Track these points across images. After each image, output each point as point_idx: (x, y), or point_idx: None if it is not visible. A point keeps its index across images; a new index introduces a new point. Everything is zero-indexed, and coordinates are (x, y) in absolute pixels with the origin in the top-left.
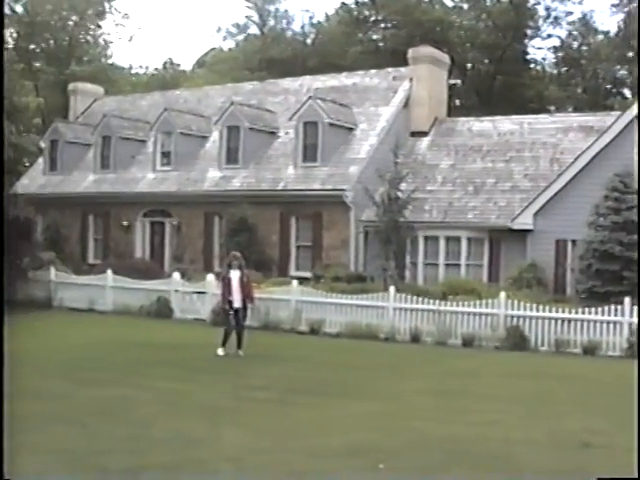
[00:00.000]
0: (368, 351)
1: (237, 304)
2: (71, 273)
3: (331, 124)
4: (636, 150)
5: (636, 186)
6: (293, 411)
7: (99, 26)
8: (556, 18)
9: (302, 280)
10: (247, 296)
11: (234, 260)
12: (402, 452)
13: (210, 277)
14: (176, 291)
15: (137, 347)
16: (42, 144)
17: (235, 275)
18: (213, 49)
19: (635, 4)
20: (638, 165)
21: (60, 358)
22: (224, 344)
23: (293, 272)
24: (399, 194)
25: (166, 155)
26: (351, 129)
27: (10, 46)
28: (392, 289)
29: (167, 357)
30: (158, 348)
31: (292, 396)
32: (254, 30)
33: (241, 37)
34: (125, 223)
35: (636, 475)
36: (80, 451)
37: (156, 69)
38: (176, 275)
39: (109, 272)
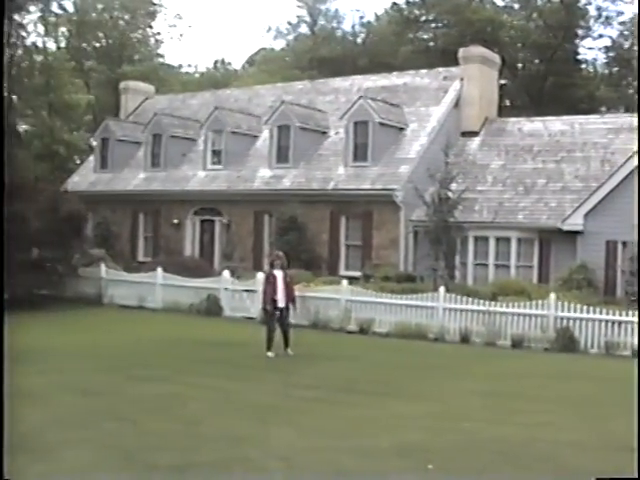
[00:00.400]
0: (417, 351)
1: (282, 304)
2: (121, 270)
3: (382, 124)
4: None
5: None
6: (342, 410)
7: (150, 26)
8: (607, 18)
9: (351, 279)
10: (290, 297)
11: (277, 260)
12: (451, 453)
13: (260, 275)
14: (226, 289)
15: (187, 345)
16: (93, 142)
17: (279, 274)
18: (263, 48)
19: None
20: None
21: (111, 354)
22: (270, 347)
23: (342, 271)
24: (449, 194)
25: (217, 154)
26: (402, 129)
27: (62, 45)
28: (442, 289)
29: (217, 355)
30: (208, 346)
31: (341, 395)
32: (304, 29)
33: (292, 36)
34: (175, 221)
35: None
36: (130, 448)
37: (207, 68)
38: (226, 273)
39: (159, 270)
